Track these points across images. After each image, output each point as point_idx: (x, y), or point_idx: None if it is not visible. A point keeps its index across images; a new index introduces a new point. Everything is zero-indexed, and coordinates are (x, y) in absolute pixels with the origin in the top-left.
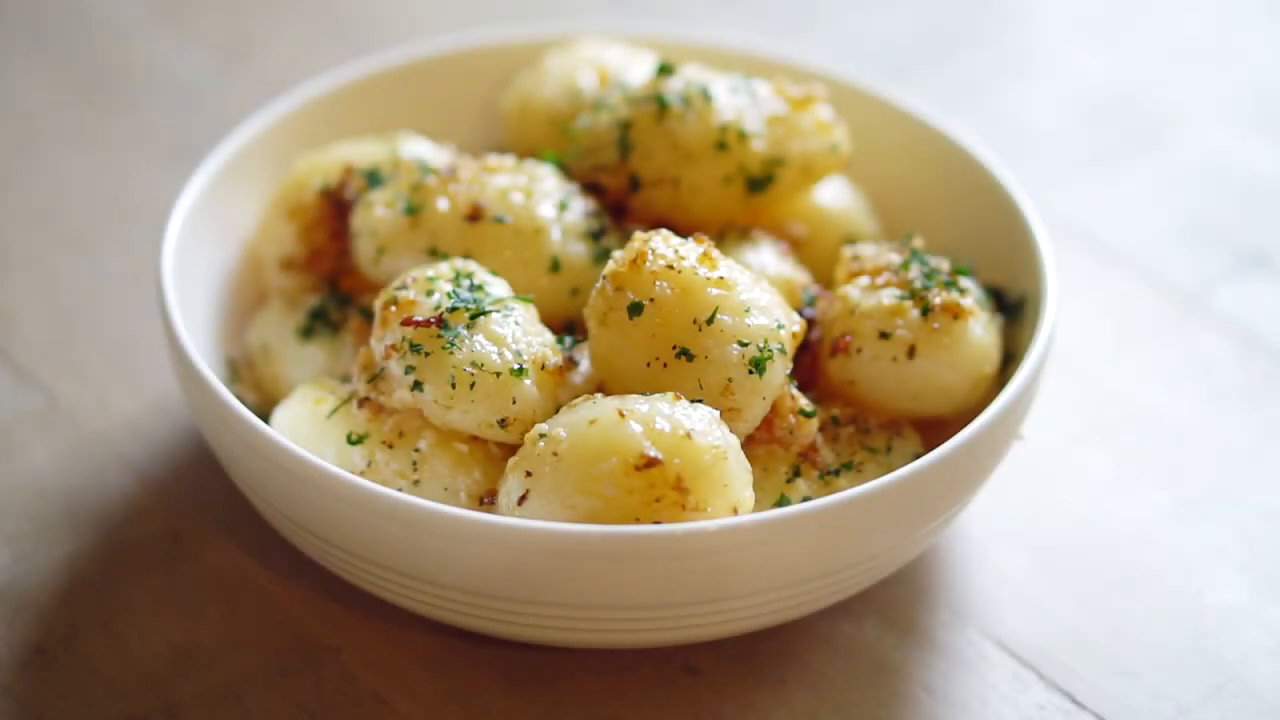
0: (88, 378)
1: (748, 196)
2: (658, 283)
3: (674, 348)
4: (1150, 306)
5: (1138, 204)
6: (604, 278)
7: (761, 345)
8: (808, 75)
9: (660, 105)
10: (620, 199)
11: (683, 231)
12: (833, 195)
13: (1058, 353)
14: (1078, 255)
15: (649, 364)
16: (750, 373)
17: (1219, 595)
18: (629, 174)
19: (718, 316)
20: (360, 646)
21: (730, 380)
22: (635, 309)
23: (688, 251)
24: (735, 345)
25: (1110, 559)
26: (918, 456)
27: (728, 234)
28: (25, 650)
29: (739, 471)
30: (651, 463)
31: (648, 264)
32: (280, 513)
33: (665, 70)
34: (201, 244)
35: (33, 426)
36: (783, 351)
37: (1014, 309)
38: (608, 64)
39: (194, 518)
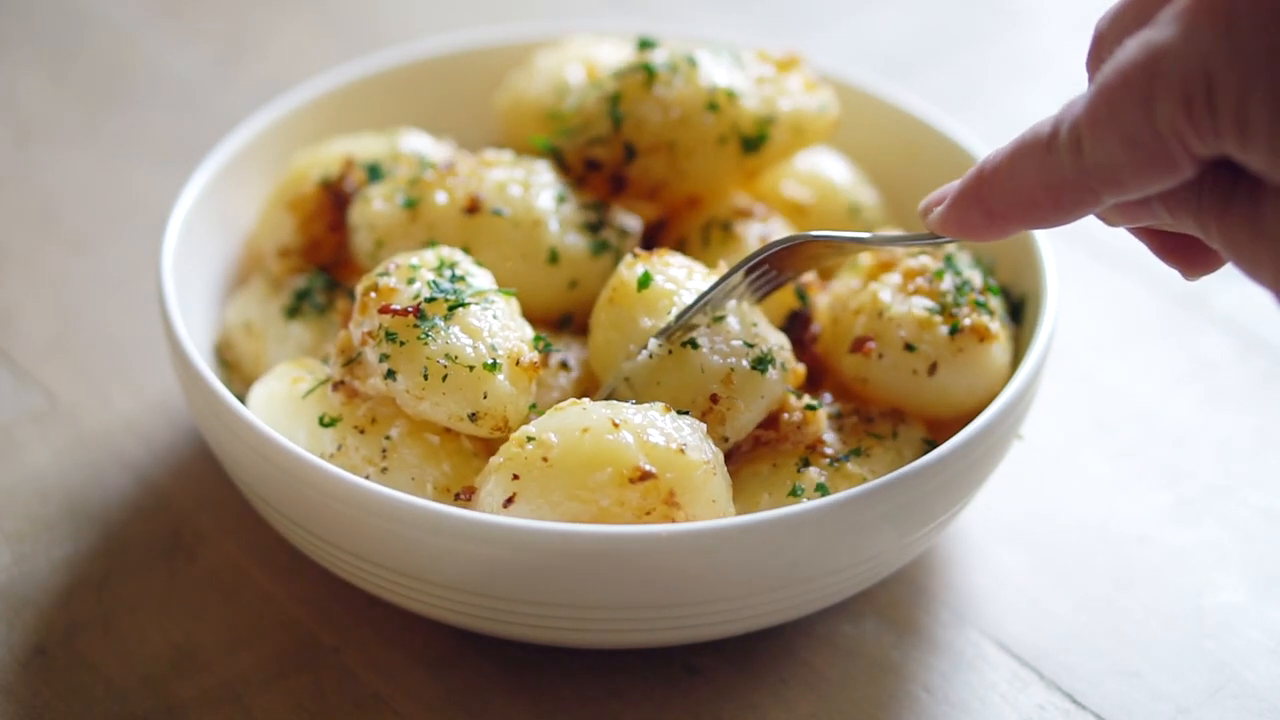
0: (88, 378)
1: (743, 157)
2: (661, 302)
3: (684, 342)
4: (1150, 306)
5: None
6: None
7: (765, 350)
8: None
9: (648, 73)
10: (617, 170)
11: (682, 203)
12: (831, 167)
13: (1058, 353)
14: (1078, 255)
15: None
16: (754, 368)
17: (1219, 595)
18: (623, 143)
19: (727, 320)
20: (360, 646)
21: (733, 371)
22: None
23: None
24: (741, 342)
25: (1110, 559)
26: (925, 441)
27: (712, 234)
28: (25, 650)
29: (724, 487)
30: (645, 476)
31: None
32: (280, 513)
33: (647, 45)
34: (201, 244)
35: (33, 426)
36: (783, 369)
37: (1014, 309)
38: (596, 60)
39: (194, 518)
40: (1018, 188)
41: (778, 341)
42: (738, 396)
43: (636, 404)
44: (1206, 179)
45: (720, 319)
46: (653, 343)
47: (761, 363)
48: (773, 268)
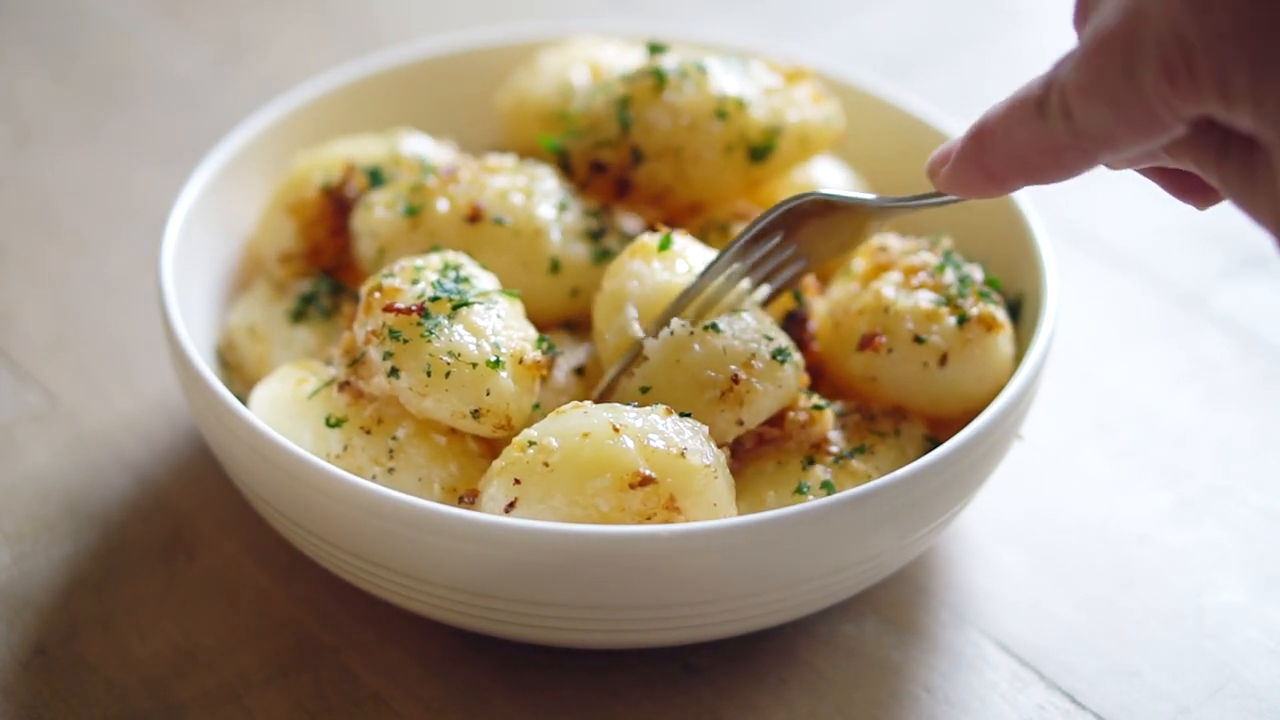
0: (88, 378)
1: (749, 166)
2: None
3: (706, 325)
4: (1150, 306)
5: (1138, 204)
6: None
7: (784, 346)
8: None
9: (658, 78)
10: (623, 173)
11: (685, 210)
12: (827, 175)
13: (1058, 353)
14: (1078, 255)
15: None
16: (773, 358)
17: (1219, 595)
18: (630, 147)
19: (743, 314)
20: (360, 646)
21: (754, 355)
22: None
23: None
24: (759, 334)
25: (1110, 559)
26: (927, 438)
27: (709, 236)
28: (25, 650)
29: (725, 489)
30: (645, 481)
31: None
32: (280, 513)
33: (657, 49)
34: (201, 244)
35: (33, 426)
36: (797, 367)
37: (1014, 309)
38: (601, 62)
39: (194, 518)
40: (1014, 151)
41: (788, 342)
42: (759, 380)
43: (650, 387)
44: (1201, 126)
45: (736, 312)
46: (675, 322)
47: (781, 353)
48: (780, 255)
